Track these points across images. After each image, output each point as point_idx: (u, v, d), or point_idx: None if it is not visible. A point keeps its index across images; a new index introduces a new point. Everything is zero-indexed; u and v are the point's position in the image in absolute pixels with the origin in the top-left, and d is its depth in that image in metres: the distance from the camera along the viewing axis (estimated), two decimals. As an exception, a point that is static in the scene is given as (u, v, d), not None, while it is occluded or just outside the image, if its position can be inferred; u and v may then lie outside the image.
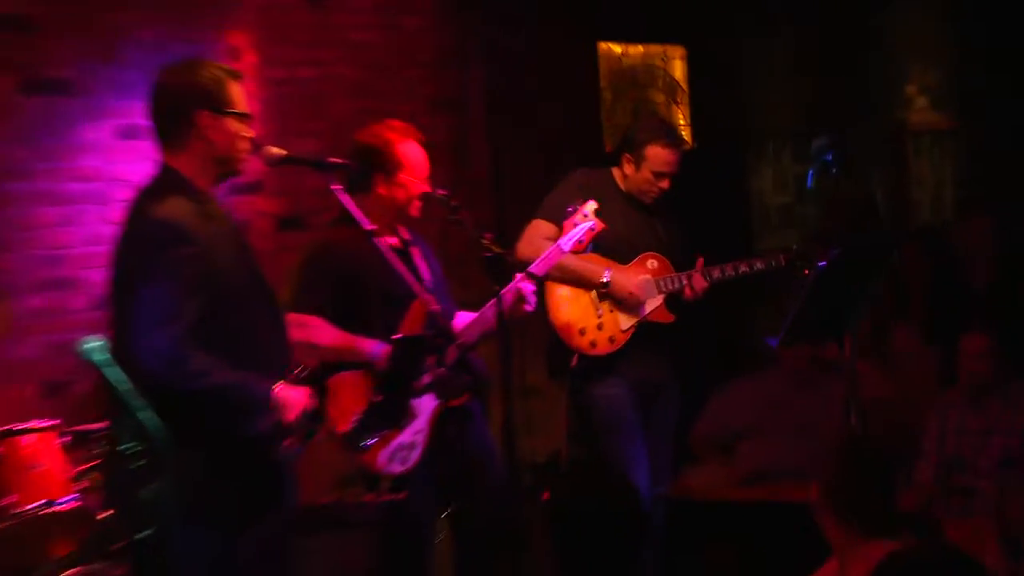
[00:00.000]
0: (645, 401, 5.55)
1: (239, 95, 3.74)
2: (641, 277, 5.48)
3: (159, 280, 3.48)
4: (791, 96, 8.07)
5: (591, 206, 4.91)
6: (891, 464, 3.88)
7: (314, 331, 4.49)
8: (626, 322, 5.47)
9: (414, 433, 4.52)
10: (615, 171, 5.61)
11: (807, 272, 5.19)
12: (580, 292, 5.44)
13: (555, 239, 5.16)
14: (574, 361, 5.42)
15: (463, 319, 4.75)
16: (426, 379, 4.50)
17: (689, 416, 6.39)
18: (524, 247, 5.36)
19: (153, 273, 3.49)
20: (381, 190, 4.69)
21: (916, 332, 6.88)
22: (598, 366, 5.45)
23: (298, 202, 6.04)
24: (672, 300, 5.53)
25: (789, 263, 5.49)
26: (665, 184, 5.50)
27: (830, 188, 7.70)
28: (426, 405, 4.55)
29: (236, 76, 3.77)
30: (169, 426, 3.38)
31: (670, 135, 5.58)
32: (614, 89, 7.66)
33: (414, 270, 4.68)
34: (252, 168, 4.38)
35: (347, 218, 4.27)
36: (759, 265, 5.53)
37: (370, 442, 4.35)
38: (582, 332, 5.42)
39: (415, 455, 4.52)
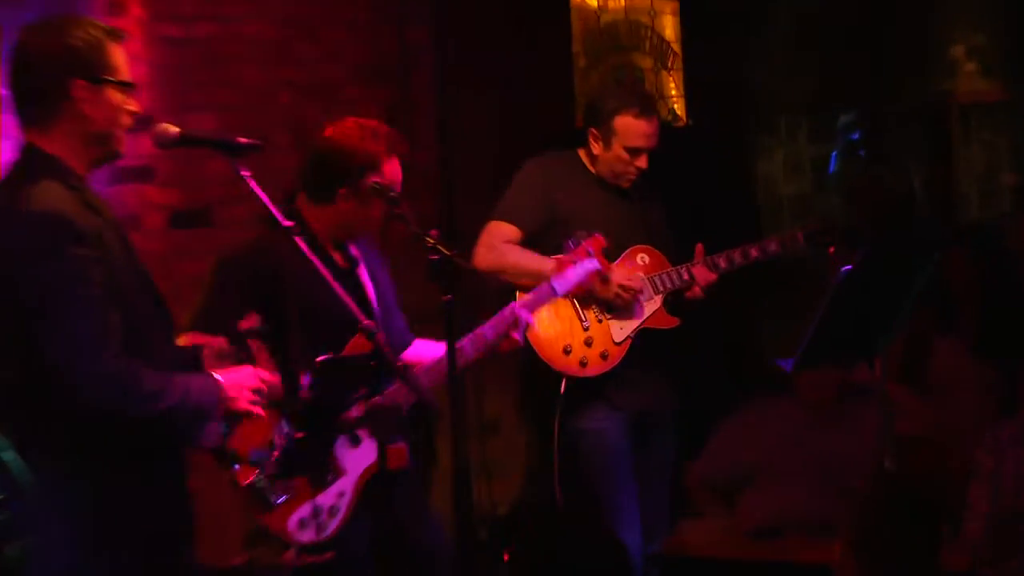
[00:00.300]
0: (642, 436, 5.56)
1: (121, 60, 3.75)
2: (633, 275, 5.48)
3: (72, 294, 3.51)
4: (808, 61, 8.10)
5: (598, 242, 4.92)
6: (933, 514, 3.90)
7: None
8: (620, 332, 5.46)
9: (338, 495, 4.47)
10: (581, 152, 5.63)
11: (833, 250, 5.19)
12: (559, 300, 5.40)
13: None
14: (563, 388, 5.40)
15: (420, 351, 4.78)
16: (355, 411, 4.47)
17: (686, 454, 6.40)
18: (483, 255, 5.37)
19: (61, 287, 3.51)
20: (345, 205, 4.65)
21: (964, 351, 6.91)
22: (584, 392, 5.44)
23: (197, 193, 6.03)
24: (671, 302, 5.53)
25: (808, 240, 5.52)
26: (642, 162, 5.51)
27: (857, 174, 7.75)
28: (358, 461, 4.52)
29: (118, 37, 3.79)
30: (102, 446, 3.52)
31: (642, 101, 5.58)
32: (590, 52, 7.68)
33: (359, 292, 4.67)
34: (140, 150, 4.36)
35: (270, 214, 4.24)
36: (773, 248, 5.56)
37: (281, 499, 4.29)
38: (567, 350, 5.40)
39: (334, 523, 4.45)
